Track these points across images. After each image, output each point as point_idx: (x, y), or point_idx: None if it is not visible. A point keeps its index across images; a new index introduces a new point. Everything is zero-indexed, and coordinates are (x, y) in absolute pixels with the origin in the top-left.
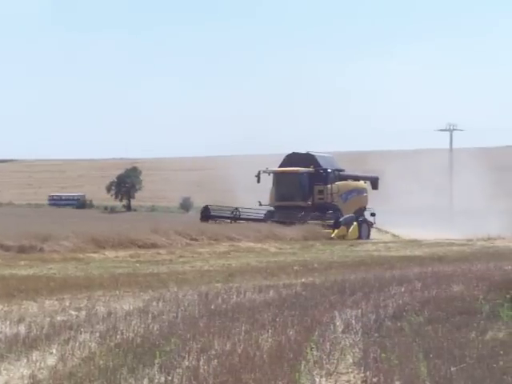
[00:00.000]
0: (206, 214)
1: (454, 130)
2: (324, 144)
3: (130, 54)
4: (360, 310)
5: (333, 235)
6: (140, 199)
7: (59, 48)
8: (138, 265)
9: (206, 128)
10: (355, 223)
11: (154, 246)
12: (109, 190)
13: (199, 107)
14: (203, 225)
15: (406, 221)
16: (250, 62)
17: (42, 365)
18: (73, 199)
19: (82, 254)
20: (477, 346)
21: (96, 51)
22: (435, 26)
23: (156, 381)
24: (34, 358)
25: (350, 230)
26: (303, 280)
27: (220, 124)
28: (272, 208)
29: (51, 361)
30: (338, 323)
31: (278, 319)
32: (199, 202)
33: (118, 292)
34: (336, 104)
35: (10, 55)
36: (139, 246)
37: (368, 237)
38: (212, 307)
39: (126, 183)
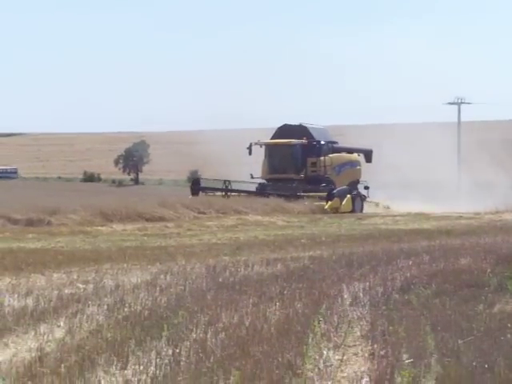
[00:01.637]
0: (197, 187)
1: (461, 103)
2: (326, 117)
3: (136, 26)
4: (368, 283)
5: (326, 207)
6: (147, 173)
7: (66, 23)
8: (145, 238)
9: (211, 101)
10: (349, 195)
11: (161, 219)
12: (117, 163)
13: (203, 80)
14: (211, 198)
15: (411, 195)
16: (244, 37)
17: (50, 337)
18: (6, 172)
19: (90, 227)
20: (484, 318)
21: (103, 28)
22: None
23: (163, 353)
24: (41, 331)
25: (344, 202)
26: (311, 253)
27: (221, 98)
28: (264, 181)
29: (59, 334)
30: (345, 296)
31: (285, 292)
32: (207, 176)
33: (125, 265)
34: (339, 78)
35: (19, 32)
36: (147, 220)
37: (361, 210)
38: (220, 280)
39: (134, 157)
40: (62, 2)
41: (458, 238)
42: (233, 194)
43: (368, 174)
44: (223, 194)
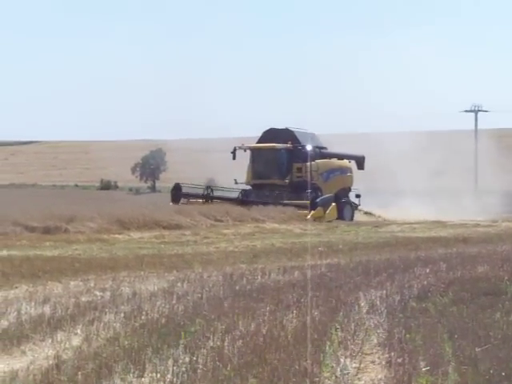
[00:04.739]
0: (178, 193)
1: (478, 111)
2: (344, 125)
3: (151, 35)
4: (385, 291)
5: (308, 217)
6: (164, 180)
7: (82, 31)
8: (162, 246)
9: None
10: (333, 204)
11: (178, 226)
12: (134, 171)
13: (217, 89)
14: (228, 206)
15: (424, 203)
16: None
17: (67, 345)
18: None
19: (107, 234)
20: (502, 326)
21: (112, 38)
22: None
23: (181, 361)
24: (58, 339)
25: (328, 211)
26: (328, 261)
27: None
28: (249, 186)
29: (76, 341)
30: (362, 304)
31: (302, 300)
32: (224, 183)
33: (142, 273)
34: (357, 86)
35: (36, 41)
36: (164, 227)
37: (351, 219)
38: (237, 288)
39: (151, 164)
40: (75, 8)
41: (475, 245)
42: (215, 200)
43: (371, 181)
44: (204, 201)
